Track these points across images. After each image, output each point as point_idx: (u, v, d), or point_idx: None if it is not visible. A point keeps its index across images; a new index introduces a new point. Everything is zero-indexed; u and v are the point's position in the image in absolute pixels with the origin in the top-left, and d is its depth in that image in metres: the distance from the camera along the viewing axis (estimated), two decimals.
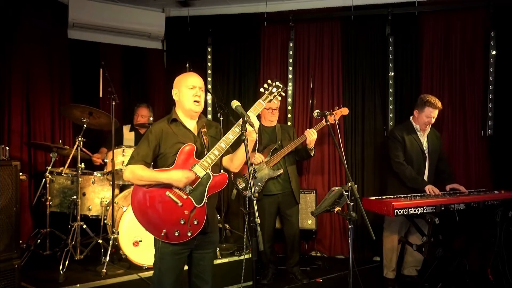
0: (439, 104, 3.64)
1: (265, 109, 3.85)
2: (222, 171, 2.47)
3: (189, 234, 2.28)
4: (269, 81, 2.45)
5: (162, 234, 2.26)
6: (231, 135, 2.34)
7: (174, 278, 2.35)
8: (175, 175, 2.27)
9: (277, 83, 2.44)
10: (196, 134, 2.44)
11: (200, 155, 2.36)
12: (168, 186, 2.31)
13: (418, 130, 3.78)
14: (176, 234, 2.27)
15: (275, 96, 2.45)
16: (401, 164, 3.69)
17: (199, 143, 2.41)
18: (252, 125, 2.24)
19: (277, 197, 3.86)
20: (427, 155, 3.77)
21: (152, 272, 2.43)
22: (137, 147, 2.41)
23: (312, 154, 3.81)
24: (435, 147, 3.82)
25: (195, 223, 2.29)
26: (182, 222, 2.27)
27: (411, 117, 3.86)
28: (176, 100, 2.45)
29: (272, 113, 3.89)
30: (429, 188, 3.53)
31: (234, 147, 2.45)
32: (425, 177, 3.77)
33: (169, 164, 2.34)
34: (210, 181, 2.32)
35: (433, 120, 3.70)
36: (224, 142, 2.33)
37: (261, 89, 2.46)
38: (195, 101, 2.39)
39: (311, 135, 3.65)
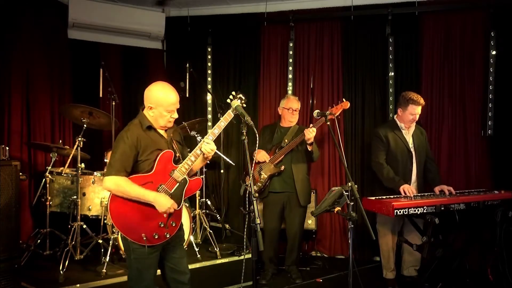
0: (421, 100, 3.64)
1: (285, 109, 3.93)
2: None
3: (167, 235, 2.40)
4: (233, 93, 2.58)
5: (144, 239, 2.31)
6: (203, 146, 2.45)
7: (153, 275, 2.44)
8: (162, 201, 2.33)
9: (241, 95, 2.57)
10: (168, 140, 2.51)
11: (175, 160, 2.46)
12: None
13: (402, 128, 3.77)
14: (156, 237, 2.36)
15: (241, 106, 2.54)
16: (380, 164, 3.69)
17: (172, 149, 2.49)
18: (251, 125, 2.35)
19: (283, 196, 3.88)
20: (413, 153, 3.75)
21: None
22: (115, 155, 2.33)
23: (310, 150, 3.80)
24: (421, 144, 3.81)
25: (173, 225, 2.42)
26: (162, 225, 2.37)
27: (395, 116, 3.87)
28: (150, 115, 2.44)
29: (292, 113, 3.93)
30: (403, 188, 3.49)
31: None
32: (413, 176, 3.75)
33: (147, 170, 2.38)
34: (186, 185, 2.45)
35: (417, 117, 3.70)
36: (199, 149, 2.45)
37: (228, 100, 2.56)
38: (170, 121, 2.47)
39: (309, 133, 3.65)
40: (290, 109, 3.93)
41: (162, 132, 2.51)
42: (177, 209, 2.40)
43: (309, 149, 3.80)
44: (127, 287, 2.53)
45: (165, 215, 2.36)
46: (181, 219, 2.46)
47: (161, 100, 2.40)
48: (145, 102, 2.46)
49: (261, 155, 3.83)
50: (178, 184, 2.41)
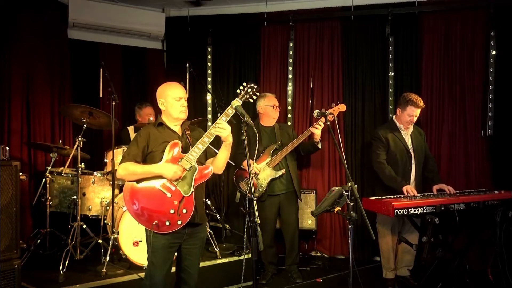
0: (421, 103, 3.65)
1: (268, 107, 3.93)
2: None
3: (179, 223, 2.45)
4: (244, 83, 2.65)
5: (154, 224, 2.42)
6: (213, 130, 2.51)
7: (165, 271, 2.53)
8: (166, 168, 2.46)
9: (252, 84, 2.64)
10: (180, 135, 2.64)
11: (186, 152, 2.55)
12: (158, 180, 2.48)
13: (401, 129, 3.78)
14: (167, 223, 2.44)
15: (250, 95, 2.63)
16: (381, 163, 3.69)
17: (184, 142, 2.61)
18: (251, 125, 2.38)
19: (279, 197, 3.88)
20: (412, 153, 3.76)
21: None
22: (127, 149, 2.61)
23: (320, 147, 3.86)
24: (420, 144, 3.83)
25: (184, 212, 2.46)
26: (172, 212, 2.44)
27: (393, 116, 3.87)
28: (163, 110, 2.65)
29: (276, 109, 3.97)
30: (406, 189, 3.50)
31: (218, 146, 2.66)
32: (412, 176, 3.75)
33: (157, 161, 2.53)
34: (196, 172, 2.51)
35: (415, 119, 3.71)
36: (207, 137, 2.52)
37: (238, 90, 2.64)
38: (181, 111, 2.61)
39: (317, 130, 3.69)
40: (274, 106, 3.95)
41: (175, 128, 2.65)
42: (187, 196, 2.46)
43: (319, 147, 3.84)
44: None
45: (175, 202, 2.43)
46: (193, 206, 2.48)
47: (166, 91, 2.63)
48: (157, 100, 2.66)
49: (253, 168, 3.72)
50: (186, 171, 2.49)
